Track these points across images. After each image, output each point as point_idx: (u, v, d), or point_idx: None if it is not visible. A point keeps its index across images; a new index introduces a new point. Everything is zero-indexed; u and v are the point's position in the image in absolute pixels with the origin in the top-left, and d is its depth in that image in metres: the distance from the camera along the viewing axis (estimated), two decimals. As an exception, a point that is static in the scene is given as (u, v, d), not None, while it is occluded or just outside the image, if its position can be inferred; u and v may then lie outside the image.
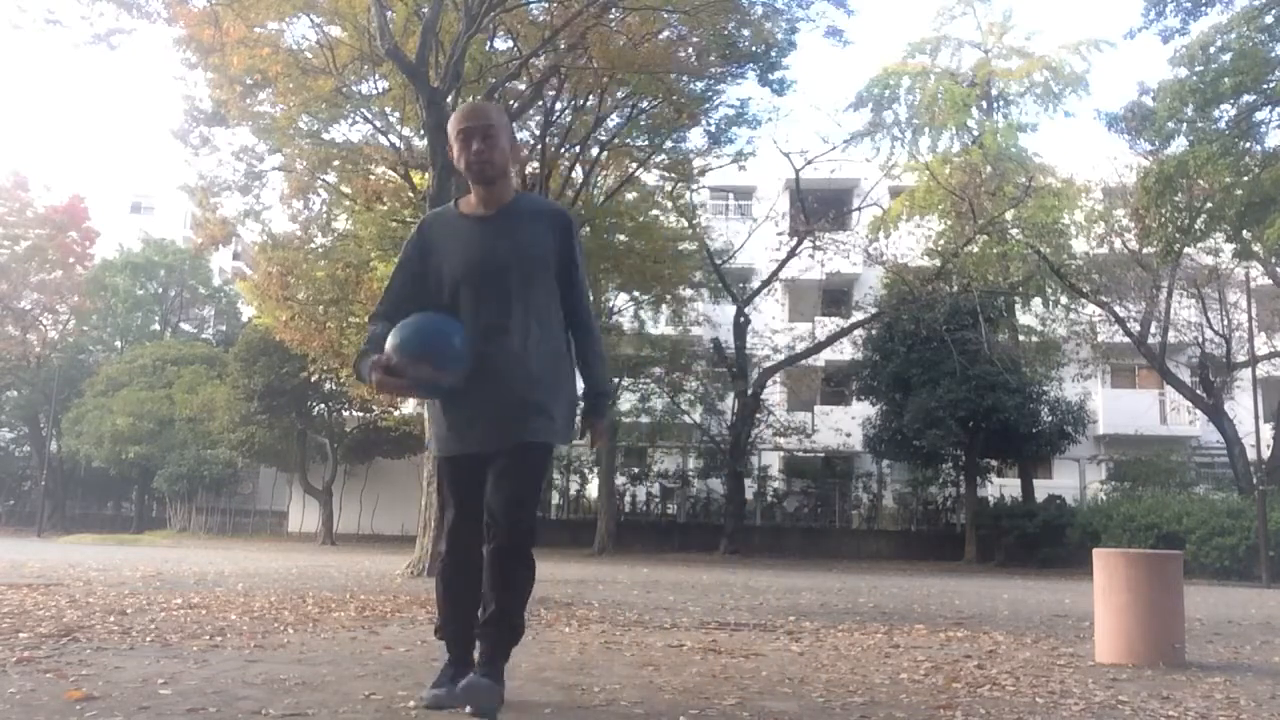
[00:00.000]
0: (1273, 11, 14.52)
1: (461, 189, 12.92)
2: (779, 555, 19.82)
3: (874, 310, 20.85)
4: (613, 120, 17.69)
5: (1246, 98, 15.32)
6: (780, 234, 22.30)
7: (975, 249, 19.68)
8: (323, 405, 22.38)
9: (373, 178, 16.55)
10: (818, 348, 21.53)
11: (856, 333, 21.33)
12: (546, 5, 13.55)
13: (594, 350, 2.76)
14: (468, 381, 2.57)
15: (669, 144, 18.28)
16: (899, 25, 63.08)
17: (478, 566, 2.61)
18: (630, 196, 19.11)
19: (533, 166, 18.12)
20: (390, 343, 2.52)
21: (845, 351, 23.07)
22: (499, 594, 2.55)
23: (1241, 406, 20.40)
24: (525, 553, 2.59)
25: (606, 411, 2.69)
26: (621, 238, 17.66)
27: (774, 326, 24.01)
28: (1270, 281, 20.44)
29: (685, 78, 16.03)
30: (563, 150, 17.94)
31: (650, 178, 19.58)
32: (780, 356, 21.95)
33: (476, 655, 2.63)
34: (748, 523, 21.39)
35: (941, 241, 20.92)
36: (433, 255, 2.70)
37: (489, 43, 14.66)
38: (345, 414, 22.73)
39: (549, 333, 2.67)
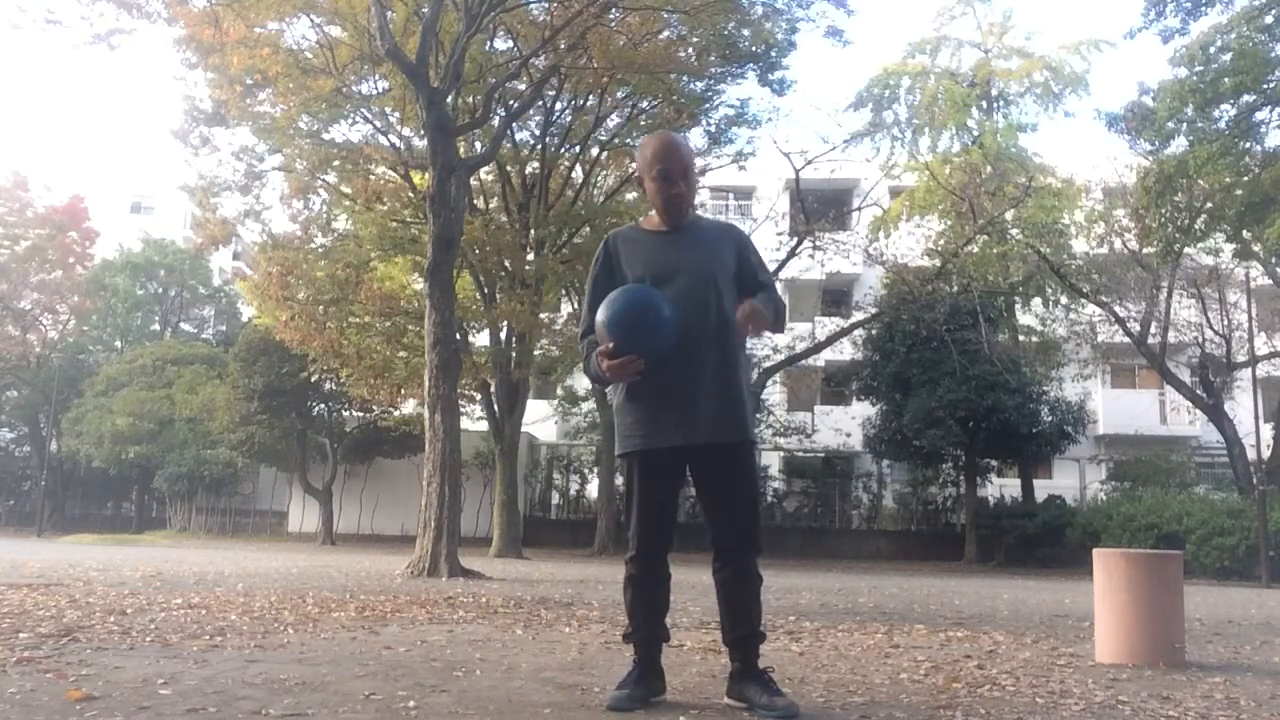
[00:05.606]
0: (1273, 11, 14.53)
1: (461, 188, 12.66)
2: (779, 555, 19.79)
3: (874, 310, 20.83)
4: (613, 120, 17.69)
5: (1246, 98, 15.33)
6: (780, 234, 22.25)
7: (975, 249, 19.67)
8: (323, 405, 22.37)
9: (373, 178, 16.54)
10: (818, 348, 21.51)
11: (856, 333, 21.31)
12: (546, 5, 13.56)
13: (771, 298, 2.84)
14: (668, 376, 2.66)
15: (669, 144, 18.26)
16: (899, 25, 63.11)
17: (667, 571, 2.84)
18: (630, 196, 19.09)
19: (533, 167, 18.14)
20: (600, 319, 2.61)
21: (845, 351, 23.06)
22: (751, 610, 2.76)
23: (1241, 406, 20.38)
24: (757, 563, 2.78)
25: (763, 304, 2.76)
26: (622, 238, 17.63)
27: (774, 326, 23.97)
28: (1270, 281, 20.44)
29: (685, 78, 16.03)
30: (563, 150, 17.93)
31: (650, 178, 19.54)
32: (780, 356, 21.93)
33: (731, 662, 2.81)
34: (748, 523, 21.34)
35: (941, 241, 20.90)
36: (621, 268, 2.81)
37: (489, 43, 14.67)
38: (345, 414, 22.74)
39: (732, 335, 2.77)
